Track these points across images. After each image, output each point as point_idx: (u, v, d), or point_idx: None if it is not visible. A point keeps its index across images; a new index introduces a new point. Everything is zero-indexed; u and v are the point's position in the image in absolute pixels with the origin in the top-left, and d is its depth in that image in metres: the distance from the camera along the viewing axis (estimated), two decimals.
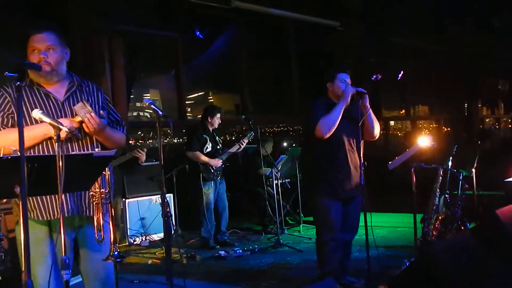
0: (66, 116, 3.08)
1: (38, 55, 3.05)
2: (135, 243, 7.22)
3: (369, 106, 4.69)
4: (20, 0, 6.70)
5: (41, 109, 3.00)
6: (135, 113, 9.43)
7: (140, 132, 10.17)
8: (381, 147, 11.96)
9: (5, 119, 3.04)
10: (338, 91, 4.75)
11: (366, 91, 4.67)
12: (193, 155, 6.91)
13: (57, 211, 3.01)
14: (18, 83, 2.49)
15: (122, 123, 3.39)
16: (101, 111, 3.16)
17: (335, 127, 4.58)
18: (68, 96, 3.15)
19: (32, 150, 3.02)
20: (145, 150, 6.45)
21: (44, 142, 3.04)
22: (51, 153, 2.98)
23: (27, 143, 2.93)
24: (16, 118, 2.97)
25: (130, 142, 8.83)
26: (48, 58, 3.06)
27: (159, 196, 3.51)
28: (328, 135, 4.58)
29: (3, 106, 3.05)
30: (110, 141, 3.22)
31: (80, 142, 3.10)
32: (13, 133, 2.75)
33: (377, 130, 4.84)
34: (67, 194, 3.01)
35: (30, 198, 2.99)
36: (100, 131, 3.09)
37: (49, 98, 3.11)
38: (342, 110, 4.62)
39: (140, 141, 9.78)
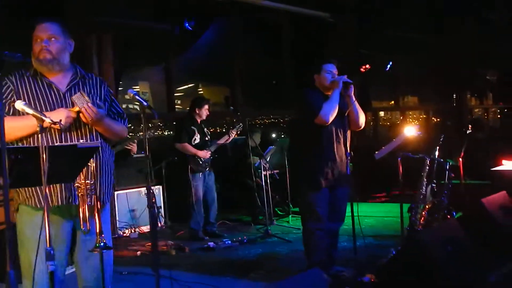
0: (67, 107, 3.10)
1: (41, 44, 3.10)
2: (124, 235, 7.23)
3: (354, 97, 4.73)
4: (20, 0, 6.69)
5: (42, 99, 3.09)
6: (124, 106, 9.40)
7: (130, 125, 10.13)
8: (371, 138, 12.01)
9: (11, 108, 3.06)
10: (324, 82, 4.79)
11: (352, 81, 4.71)
12: (181, 146, 6.90)
13: (55, 199, 3.04)
14: None
15: (123, 115, 3.41)
16: (99, 101, 3.18)
17: (336, 114, 4.63)
18: (70, 87, 3.18)
19: (26, 141, 3.05)
20: (136, 141, 6.47)
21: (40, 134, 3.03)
22: (50, 143, 2.99)
23: (20, 132, 3.01)
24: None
25: None
26: (49, 47, 3.11)
27: None
28: (330, 121, 4.62)
29: (6, 94, 3.08)
30: (110, 132, 3.25)
31: (79, 132, 3.12)
32: (10, 122, 2.85)
33: (362, 119, 4.88)
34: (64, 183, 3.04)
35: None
36: (98, 121, 3.11)
37: (51, 88, 3.15)
38: (338, 97, 4.66)
39: (130, 134, 9.77)
